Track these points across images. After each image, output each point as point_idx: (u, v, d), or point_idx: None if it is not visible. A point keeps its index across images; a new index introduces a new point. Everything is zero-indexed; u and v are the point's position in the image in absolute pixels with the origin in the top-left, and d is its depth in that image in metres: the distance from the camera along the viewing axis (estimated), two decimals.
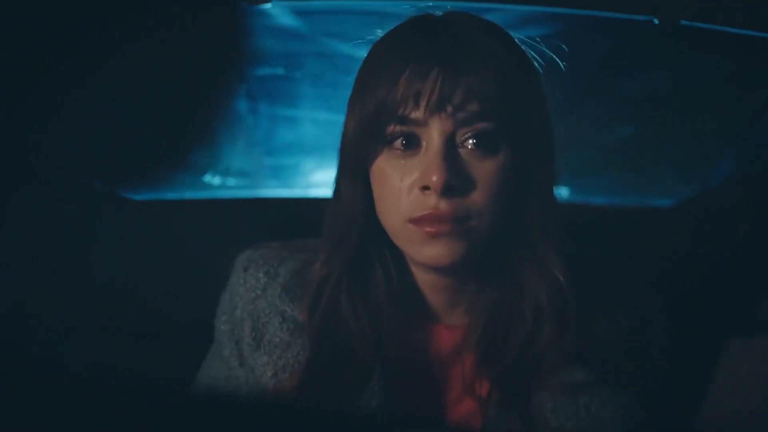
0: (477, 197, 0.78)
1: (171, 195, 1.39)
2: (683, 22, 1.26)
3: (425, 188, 0.77)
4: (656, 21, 1.24)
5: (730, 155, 1.52)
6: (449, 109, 0.77)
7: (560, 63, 0.86)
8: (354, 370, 0.81)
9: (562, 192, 1.54)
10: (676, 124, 1.58)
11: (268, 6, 1.15)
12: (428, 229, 0.77)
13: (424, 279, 0.85)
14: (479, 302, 0.84)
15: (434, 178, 0.76)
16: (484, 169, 0.78)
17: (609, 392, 0.81)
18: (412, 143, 0.79)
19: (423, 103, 0.77)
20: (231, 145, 1.55)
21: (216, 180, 1.55)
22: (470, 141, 0.78)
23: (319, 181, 1.33)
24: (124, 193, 1.28)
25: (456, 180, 0.77)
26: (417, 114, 0.78)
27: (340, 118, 0.87)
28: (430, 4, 0.86)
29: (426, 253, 0.78)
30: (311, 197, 1.40)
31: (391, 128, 0.79)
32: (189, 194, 1.45)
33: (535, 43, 0.85)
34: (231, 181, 1.58)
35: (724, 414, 1.22)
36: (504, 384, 0.80)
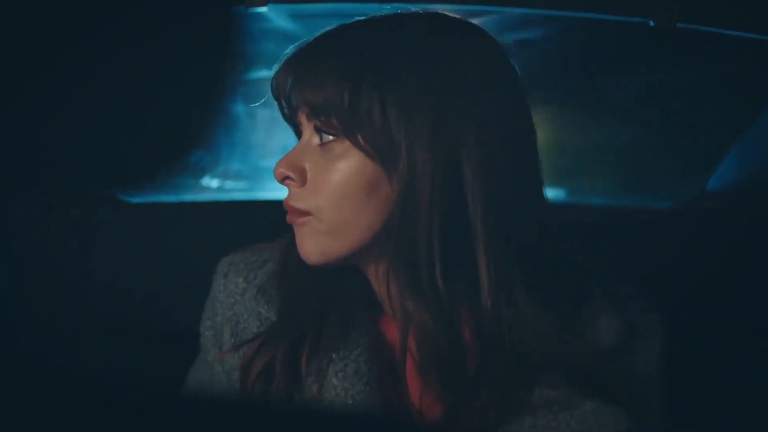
0: (319, 192, 0.78)
1: (169, 198, 1.39)
2: (680, 24, 1.26)
3: None
4: (652, 23, 1.24)
5: (730, 156, 1.52)
6: (298, 105, 0.80)
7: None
8: (297, 352, 0.82)
9: (559, 192, 1.55)
10: (674, 126, 1.58)
11: (264, 9, 1.16)
12: (288, 217, 0.82)
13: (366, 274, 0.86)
14: (403, 311, 0.81)
15: (275, 173, 0.81)
16: (330, 167, 0.78)
17: (592, 406, 0.80)
18: None
19: (281, 101, 0.82)
20: (229, 148, 1.55)
21: (214, 183, 1.56)
22: (319, 136, 0.79)
23: None
24: (122, 195, 1.28)
25: (293, 172, 0.79)
26: (284, 113, 0.83)
27: None
28: (424, 6, 0.87)
29: (297, 242, 0.82)
30: None
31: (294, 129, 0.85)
32: (187, 197, 1.45)
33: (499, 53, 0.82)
34: (229, 184, 1.58)
35: (723, 423, 1.21)
36: (455, 398, 0.79)
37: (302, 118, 0.80)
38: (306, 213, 0.79)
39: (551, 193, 0.88)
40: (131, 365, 1.17)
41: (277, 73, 0.81)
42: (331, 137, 0.78)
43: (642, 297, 0.88)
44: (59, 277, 1.27)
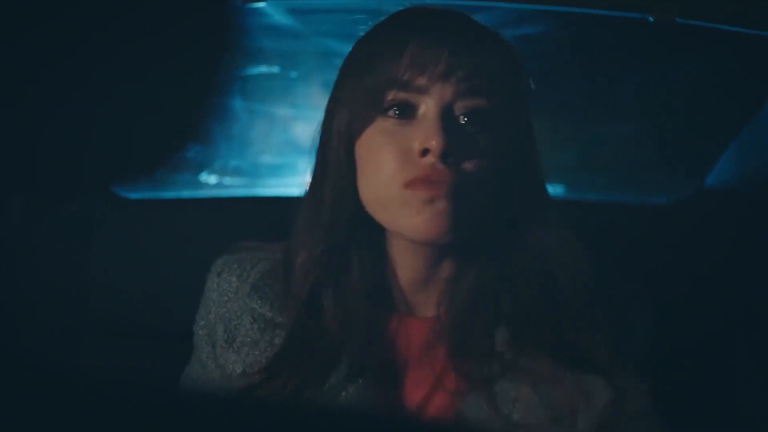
0: (470, 168, 0.78)
1: (167, 194, 1.39)
2: (679, 20, 1.26)
3: (424, 152, 0.77)
4: (651, 19, 1.24)
5: (728, 153, 1.52)
6: (453, 79, 0.78)
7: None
8: (321, 357, 0.82)
9: (558, 189, 1.55)
10: (673, 122, 1.58)
11: (262, 4, 1.16)
12: (425, 191, 0.77)
13: (400, 262, 0.85)
14: (453, 293, 0.84)
15: (434, 142, 0.76)
16: (476, 144, 0.79)
17: (580, 383, 0.81)
18: (407, 112, 0.79)
19: (429, 70, 0.78)
20: (227, 144, 1.55)
21: (212, 179, 1.56)
22: (466, 114, 0.79)
23: None
24: (120, 192, 1.28)
25: (453, 147, 0.77)
26: (421, 81, 0.78)
27: None
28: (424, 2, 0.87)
29: (419, 219, 0.77)
30: None
31: (390, 95, 0.79)
32: (186, 193, 1.45)
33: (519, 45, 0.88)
34: (227, 180, 1.58)
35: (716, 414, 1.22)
36: (475, 378, 0.81)
37: (445, 93, 0.78)
38: (460, 187, 0.78)
39: (549, 189, 0.88)
40: (130, 361, 1.16)
41: (448, 50, 0.78)
42: (478, 117, 0.80)
43: (635, 291, 0.89)
44: (57, 273, 1.27)
